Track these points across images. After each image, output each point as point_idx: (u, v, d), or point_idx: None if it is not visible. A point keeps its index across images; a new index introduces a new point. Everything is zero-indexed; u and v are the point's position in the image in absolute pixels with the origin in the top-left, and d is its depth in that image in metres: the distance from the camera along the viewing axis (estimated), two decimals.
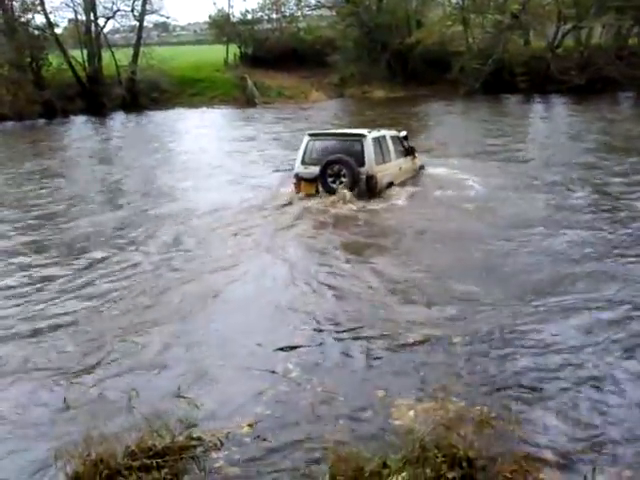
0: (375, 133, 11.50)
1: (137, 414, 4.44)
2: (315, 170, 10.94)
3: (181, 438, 4.24)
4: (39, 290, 7.43)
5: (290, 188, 11.47)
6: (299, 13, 39.93)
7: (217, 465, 4.12)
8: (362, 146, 10.95)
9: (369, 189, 10.87)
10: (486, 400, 4.53)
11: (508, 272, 7.38)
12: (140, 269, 8.05)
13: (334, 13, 38.49)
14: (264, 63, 35.54)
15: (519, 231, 8.92)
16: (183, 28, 64.45)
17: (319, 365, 5.30)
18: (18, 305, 6.96)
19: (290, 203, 10.96)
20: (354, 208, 10.43)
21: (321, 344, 5.68)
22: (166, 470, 4.04)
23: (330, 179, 10.87)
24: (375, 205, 10.63)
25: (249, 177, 13.79)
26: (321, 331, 5.95)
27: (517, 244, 8.36)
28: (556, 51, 31.39)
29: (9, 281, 7.79)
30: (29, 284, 7.64)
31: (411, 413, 4.37)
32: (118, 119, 29.18)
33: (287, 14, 39.41)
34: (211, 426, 4.46)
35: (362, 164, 10.82)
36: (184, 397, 4.76)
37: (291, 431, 4.39)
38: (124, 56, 32.88)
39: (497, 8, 32.21)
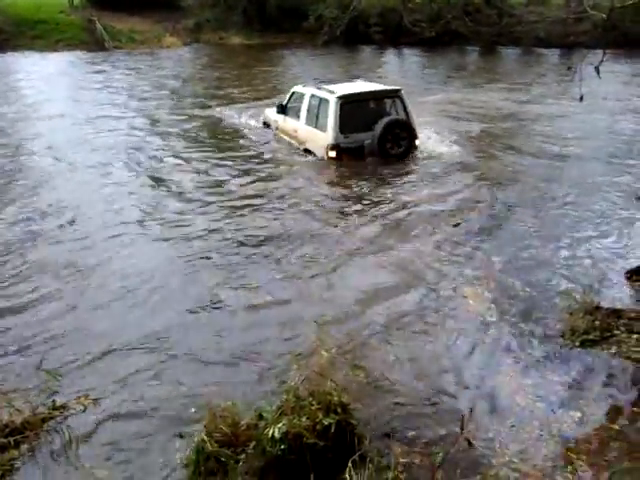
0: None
1: None
2: (360, 137, 9.71)
3: (43, 409, 3.98)
4: None
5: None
6: None
7: (83, 432, 3.92)
8: (404, 103, 10.01)
9: (414, 149, 10.20)
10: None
11: None
12: None
13: None
14: (114, 5, 32.77)
15: None
16: None
17: None
18: None
19: None
20: None
21: None
22: (26, 446, 3.79)
23: (388, 145, 9.74)
24: None
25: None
26: None
27: None
28: (408, 4, 32.17)
29: None
30: None
31: None
32: None
33: None
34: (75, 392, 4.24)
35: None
36: (46, 371, 4.45)
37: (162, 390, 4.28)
38: None
39: None
